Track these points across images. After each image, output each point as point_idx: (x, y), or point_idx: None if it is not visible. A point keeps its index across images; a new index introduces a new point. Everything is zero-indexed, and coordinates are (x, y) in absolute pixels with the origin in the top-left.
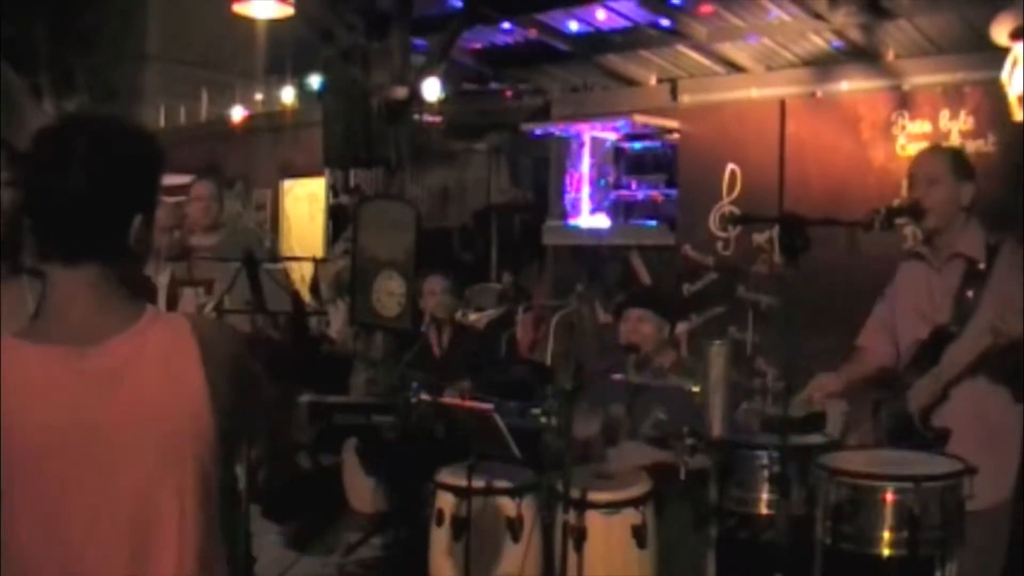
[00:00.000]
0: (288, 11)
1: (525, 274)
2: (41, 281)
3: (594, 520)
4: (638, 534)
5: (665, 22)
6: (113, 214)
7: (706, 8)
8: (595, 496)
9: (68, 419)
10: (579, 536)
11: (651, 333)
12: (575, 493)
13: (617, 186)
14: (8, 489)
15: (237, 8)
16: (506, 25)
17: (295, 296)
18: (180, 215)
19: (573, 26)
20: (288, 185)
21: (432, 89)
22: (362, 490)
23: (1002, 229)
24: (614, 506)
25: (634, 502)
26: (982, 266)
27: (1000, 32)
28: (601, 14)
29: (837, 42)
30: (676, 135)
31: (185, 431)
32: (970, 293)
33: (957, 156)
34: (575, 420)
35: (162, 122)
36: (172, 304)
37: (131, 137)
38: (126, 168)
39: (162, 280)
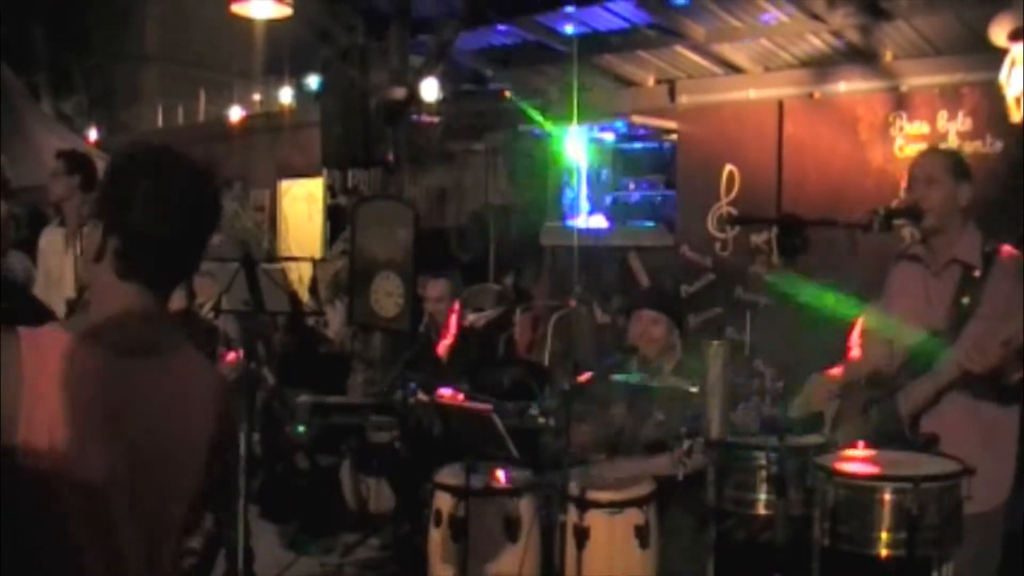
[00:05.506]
0: (286, 11)
1: (523, 275)
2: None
3: (596, 520)
4: (641, 534)
5: (662, 22)
6: (199, 247)
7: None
8: (598, 495)
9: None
10: (581, 535)
11: (662, 335)
12: (577, 492)
13: (615, 187)
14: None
15: (235, 8)
16: (502, 27)
17: (293, 296)
18: None
19: (570, 28)
20: (286, 185)
21: (430, 89)
22: (360, 491)
23: (1000, 230)
24: (617, 506)
25: (637, 502)
26: (978, 273)
27: (998, 33)
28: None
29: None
30: (674, 136)
31: (187, 463)
32: (966, 299)
33: (955, 157)
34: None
35: (160, 122)
36: None
37: (207, 171)
38: (211, 203)
39: None
